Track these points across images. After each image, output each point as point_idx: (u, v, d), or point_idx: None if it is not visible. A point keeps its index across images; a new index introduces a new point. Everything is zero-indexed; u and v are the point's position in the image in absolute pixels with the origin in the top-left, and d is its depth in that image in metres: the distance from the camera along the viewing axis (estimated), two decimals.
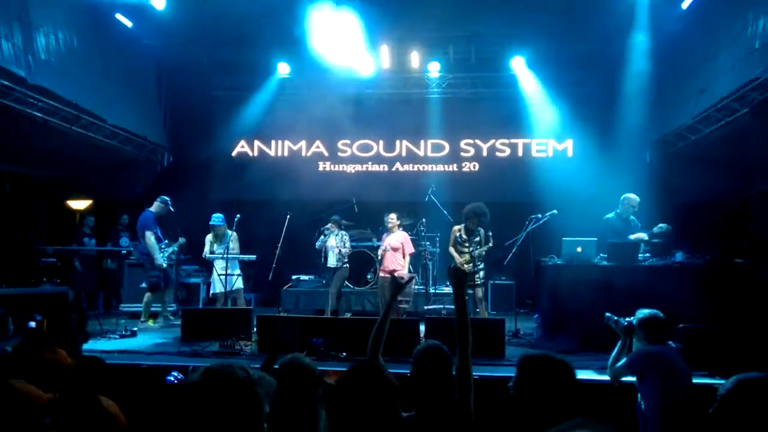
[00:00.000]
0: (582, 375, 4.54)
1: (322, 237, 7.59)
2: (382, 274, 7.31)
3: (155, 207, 7.41)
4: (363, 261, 8.44)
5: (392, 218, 7.38)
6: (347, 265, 7.52)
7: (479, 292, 6.76)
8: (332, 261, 7.48)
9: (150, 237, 7.17)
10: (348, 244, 7.55)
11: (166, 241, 7.50)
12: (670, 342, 3.57)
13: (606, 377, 3.90)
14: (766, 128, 5.20)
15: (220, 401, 1.43)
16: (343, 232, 7.65)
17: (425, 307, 7.81)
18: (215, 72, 10.14)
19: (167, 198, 7.52)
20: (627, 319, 3.71)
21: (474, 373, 2.45)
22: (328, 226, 7.58)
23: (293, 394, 2.22)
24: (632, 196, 6.62)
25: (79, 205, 9.77)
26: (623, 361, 3.62)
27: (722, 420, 1.90)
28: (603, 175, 8.72)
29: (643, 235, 6.28)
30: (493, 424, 2.77)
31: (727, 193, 6.25)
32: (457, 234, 6.85)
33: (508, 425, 2.10)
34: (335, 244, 7.45)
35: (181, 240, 7.75)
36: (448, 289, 7.94)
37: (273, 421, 1.93)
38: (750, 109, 6.06)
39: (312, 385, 2.24)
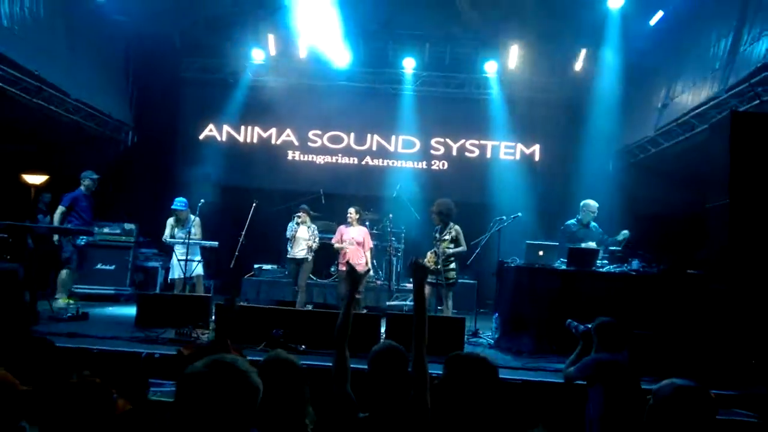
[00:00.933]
0: (536, 376, 4.66)
1: (294, 226, 7.37)
2: (343, 268, 7.27)
3: (84, 184, 7.24)
4: (326, 254, 8.38)
5: (352, 212, 7.35)
6: (312, 258, 7.44)
7: (446, 291, 6.77)
8: (299, 253, 7.32)
9: (56, 212, 7.05)
10: (317, 239, 7.43)
11: (91, 222, 7.20)
12: (625, 351, 3.70)
13: (559, 379, 4.01)
14: (723, 146, 5.42)
15: (224, 390, 1.50)
16: (314, 226, 7.52)
17: (387, 303, 7.84)
18: (186, 53, 9.88)
19: (89, 172, 7.29)
20: (586, 325, 3.82)
21: (432, 372, 2.47)
22: (300, 214, 7.39)
23: (279, 391, 2.15)
24: (591, 202, 6.80)
25: (35, 180, 9.36)
26: (577, 365, 3.74)
27: (655, 424, 1.98)
28: (567, 181, 8.94)
29: (593, 244, 6.47)
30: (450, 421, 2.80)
31: (683, 205, 6.50)
32: (434, 234, 6.91)
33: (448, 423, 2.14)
34: (306, 236, 7.32)
35: (127, 226, 7.55)
36: (411, 286, 7.97)
37: (259, 417, 1.91)
38: (708, 127, 6.30)
39: (297, 380, 2.19)
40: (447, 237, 6.70)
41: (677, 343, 4.78)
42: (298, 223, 7.36)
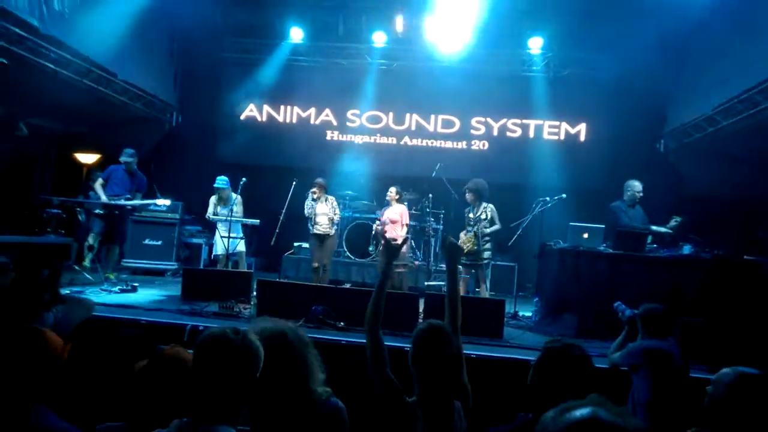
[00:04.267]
0: None
1: (311, 202, 7.18)
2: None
3: (122, 160, 7.20)
4: (365, 233, 8.41)
5: (392, 192, 7.32)
6: (335, 233, 7.32)
7: (481, 272, 6.75)
8: (321, 228, 7.12)
9: (96, 184, 7.22)
10: (338, 211, 7.31)
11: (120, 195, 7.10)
12: (671, 337, 3.56)
13: (602, 364, 3.90)
14: None
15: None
16: (332, 198, 7.35)
17: (426, 283, 7.81)
18: (228, 33, 9.96)
19: (125, 150, 7.20)
20: (633, 310, 3.70)
21: (472, 353, 2.43)
22: (314, 189, 7.14)
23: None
24: (634, 181, 6.47)
25: (87, 159, 9.75)
26: (622, 351, 3.63)
27: (720, 413, 1.90)
28: (615, 162, 8.60)
29: (662, 228, 6.17)
30: (490, 402, 2.77)
31: (742, 188, 6.14)
32: (467, 215, 6.85)
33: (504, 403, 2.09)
34: (327, 210, 7.15)
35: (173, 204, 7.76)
36: None
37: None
38: None
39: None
40: (483, 216, 6.65)
41: (731, 332, 4.57)
42: (314, 199, 7.14)
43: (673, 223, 6.17)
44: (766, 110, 6.19)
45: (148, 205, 7.61)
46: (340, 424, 2.10)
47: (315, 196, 7.18)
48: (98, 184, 7.16)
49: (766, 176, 5.43)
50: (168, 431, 1.60)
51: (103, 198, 7.00)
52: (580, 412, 0.96)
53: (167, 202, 7.58)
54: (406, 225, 7.38)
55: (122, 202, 7.07)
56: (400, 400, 2.27)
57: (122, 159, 7.18)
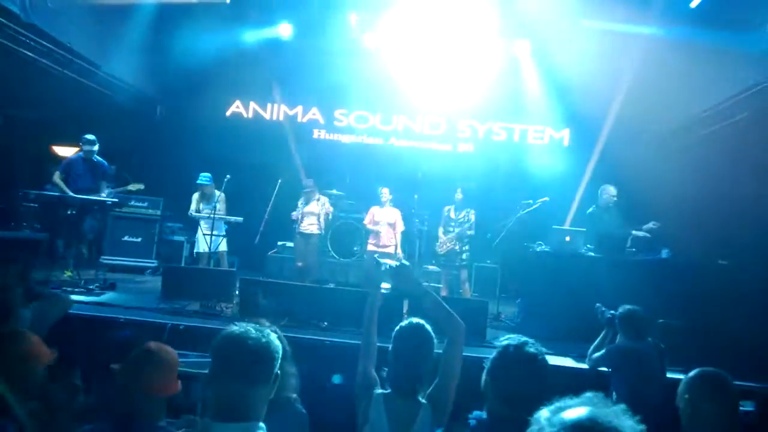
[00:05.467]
0: (561, 361, 4.60)
1: (303, 203, 7.24)
2: (373, 248, 7.17)
3: (83, 149, 6.98)
4: (350, 232, 8.39)
5: (386, 192, 7.29)
6: (321, 233, 7.36)
7: (463, 273, 6.81)
8: (309, 227, 7.18)
9: (54, 178, 6.89)
10: (327, 209, 7.32)
11: (84, 189, 6.87)
12: (650, 339, 3.63)
13: (583, 365, 3.96)
14: (763, 134, 5.21)
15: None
16: (325, 198, 7.41)
17: None
18: (214, 28, 9.84)
19: (85, 136, 6.98)
20: (611, 311, 3.76)
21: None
22: (311, 191, 7.20)
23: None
24: (609, 186, 6.57)
25: (66, 152, 9.55)
26: (601, 352, 3.69)
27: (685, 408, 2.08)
28: (598, 166, 8.73)
29: (641, 232, 6.27)
30: (471, 402, 2.78)
31: (718, 194, 6.28)
32: (446, 213, 6.90)
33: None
34: (317, 210, 7.19)
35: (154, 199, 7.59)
36: (434, 267, 7.92)
37: None
38: (749, 114, 6.05)
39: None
40: (463, 219, 6.73)
41: (707, 334, 4.67)
42: (307, 201, 7.19)
43: (651, 225, 6.28)
44: (742, 121, 6.34)
45: (125, 195, 7.21)
46: (302, 429, 2.28)
47: (309, 198, 7.14)
48: (57, 178, 6.82)
49: (738, 184, 5.57)
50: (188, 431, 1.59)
51: (69, 193, 6.74)
52: (577, 412, 0.92)
53: (141, 186, 7.24)
54: (402, 232, 7.32)
55: (103, 197, 6.84)
56: (371, 392, 2.32)
57: (85, 149, 6.89)
